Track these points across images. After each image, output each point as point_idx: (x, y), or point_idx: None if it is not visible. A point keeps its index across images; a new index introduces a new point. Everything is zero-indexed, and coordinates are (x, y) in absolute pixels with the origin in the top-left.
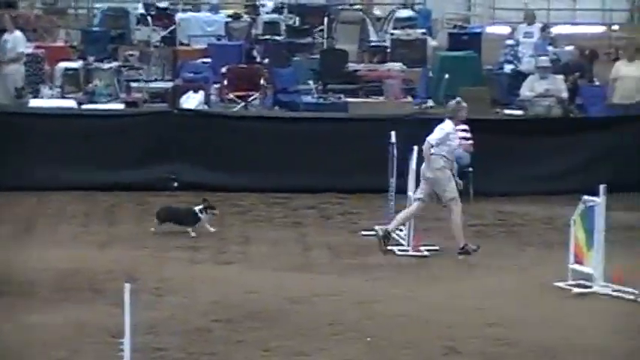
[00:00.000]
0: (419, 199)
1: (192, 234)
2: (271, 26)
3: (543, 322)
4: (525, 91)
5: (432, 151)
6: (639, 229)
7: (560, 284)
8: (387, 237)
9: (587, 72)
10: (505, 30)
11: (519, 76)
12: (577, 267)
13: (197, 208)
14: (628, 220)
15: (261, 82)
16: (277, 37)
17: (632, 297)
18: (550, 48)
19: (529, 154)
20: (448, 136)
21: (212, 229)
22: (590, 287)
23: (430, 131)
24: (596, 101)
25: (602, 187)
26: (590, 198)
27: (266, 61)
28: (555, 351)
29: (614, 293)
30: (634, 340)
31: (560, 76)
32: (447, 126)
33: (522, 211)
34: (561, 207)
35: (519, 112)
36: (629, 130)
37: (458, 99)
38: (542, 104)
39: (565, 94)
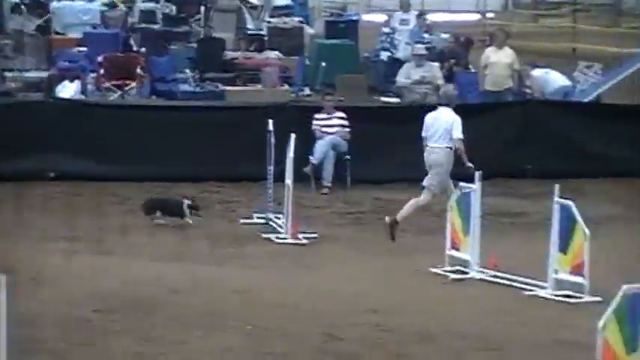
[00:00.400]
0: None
1: (190, 221)
2: (148, 15)
3: (422, 308)
4: (402, 78)
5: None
6: (515, 214)
7: (438, 270)
8: (393, 225)
9: (463, 59)
10: (381, 18)
11: (396, 64)
12: (454, 253)
13: (185, 203)
14: (503, 205)
15: (138, 70)
16: (154, 26)
17: (507, 282)
18: (426, 35)
19: (405, 141)
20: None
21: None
22: (466, 273)
23: (307, 119)
24: (472, 88)
25: (477, 174)
26: (466, 184)
27: (143, 49)
28: (434, 336)
29: (490, 278)
30: (510, 324)
31: (436, 64)
32: (455, 115)
33: (399, 198)
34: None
35: (396, 100)
36: (502, 116)
37: (450, 86)
38: (418, 91)
39: (441, 81)
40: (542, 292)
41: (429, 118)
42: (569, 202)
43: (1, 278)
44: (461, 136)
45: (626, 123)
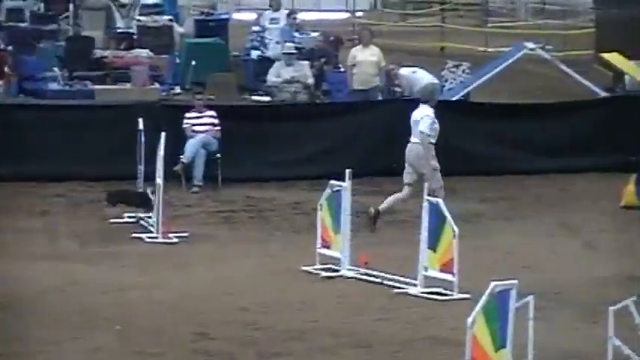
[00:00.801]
0: (409, 184)
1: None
2: (15, 13)
3: (293, 306)
4: (272, 77)
5: (428, 140)
6: (384, 212)
7: (309, 268)
8: (376, 217)
9: (333, 58)
10: (251, 16)
11: (266, 63)
12: (325, 251)
13: (149, 190)
14: (373, 204)
15: (6, 69)
16: (21, 24)
17: (377, 280)
18: (296, 34)
19: (276, 139)
20: (434, 122)
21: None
22: (337, 271)
23: (178, 117)
24: (342, 87)
25: (347, 172)
26: (337, 183)
27: (10, 48)
28: (305, 334)
29: (361, 276)
30: (380, 322)
31: (306, 62)
32: (429, 111)
33: (271, 197)
34: (309, 192)
35: (266, 98)
36: (372, 115)
37: (433, 82)
38: (288, 90)
39: (311, 80)
40: (412, 290)
41: (413, 115)
42: (438, 200)
43: None
44: (425, 130)
45: (495, 121)
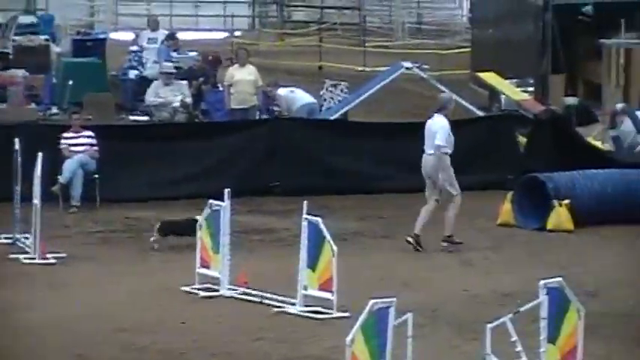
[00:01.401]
0: (436, 200)
1: None
2: None
3: (172, 327)
4: (150, 96)
5: (443, 151)
6: (264, 231)
7: (188, 288)
8: (418, 241)
9: (211, 77)
10: (129, 36)
11: (144, 82)
12: (204, 271)
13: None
14: (252, 223)
15: None
16: None
17: (257, 299)
18: (174, 54)
19: (155, 159)
20: (450, 133)
21: None
22: (217, 291)
23: (55, 137)
24: (221, 106)
25: (226, 191)
26: (216, 202)
27: None
28: (185, 355)
29: (241, 296)
30: (260, 341)
31: (185, 82)
32: (444, 121)
33: (149, 217)
34: (188, 212)
35: (144, 118)
36: (251, 134)
37: (445, 92)
38: (167, 110)
39: (189, 100)
40: (291, 309)
41: (426, 126)
42: (317, 219)
43: None
44: (440, 143)
45: (372, 139)
